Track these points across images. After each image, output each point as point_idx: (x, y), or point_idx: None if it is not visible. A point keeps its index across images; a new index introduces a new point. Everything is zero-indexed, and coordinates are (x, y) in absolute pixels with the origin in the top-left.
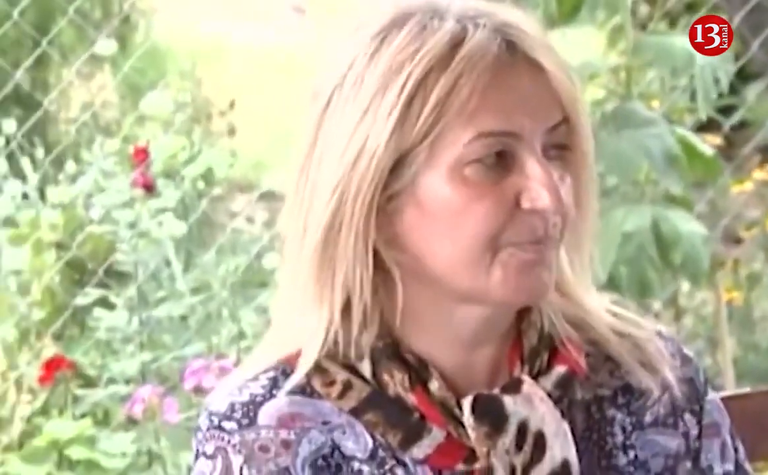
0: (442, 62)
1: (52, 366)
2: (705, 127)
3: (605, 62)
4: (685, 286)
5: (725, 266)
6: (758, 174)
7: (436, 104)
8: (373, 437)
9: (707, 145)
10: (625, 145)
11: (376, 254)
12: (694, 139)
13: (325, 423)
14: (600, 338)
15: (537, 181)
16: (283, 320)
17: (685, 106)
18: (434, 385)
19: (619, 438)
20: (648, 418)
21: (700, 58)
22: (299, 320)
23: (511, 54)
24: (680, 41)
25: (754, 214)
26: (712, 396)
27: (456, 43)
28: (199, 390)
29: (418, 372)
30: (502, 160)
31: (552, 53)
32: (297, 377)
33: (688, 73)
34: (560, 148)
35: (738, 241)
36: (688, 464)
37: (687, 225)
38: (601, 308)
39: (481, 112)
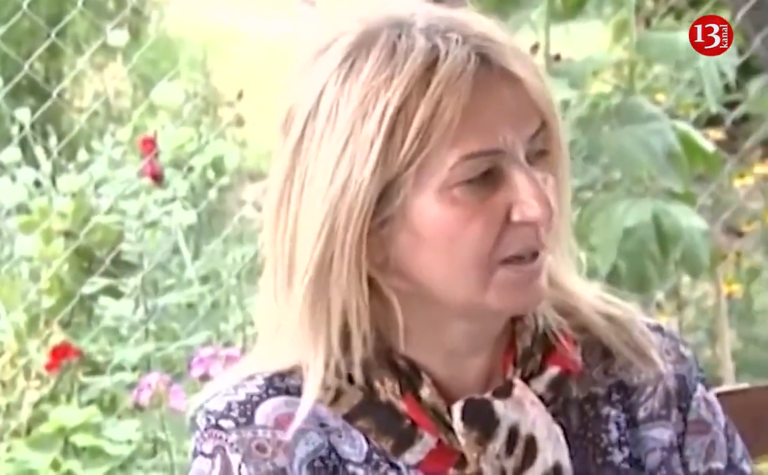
0: (419, 87)
1: (59, 353)
2: (709, 121)
3: (609, 57)
4: (687, 278)
5: (727, 259)
6: (759, 168)
7: (418, 131)
8: (368, 441)
9: (710, 139)
10: (628, 140)
11: (370, 279)
12: (696, 134)
13: (322, 425)
14: (588, 322)
15: (526, 194)
16: (270, 339)
17: (690, 102)
18: (425, 392)
19: (614, 435)
20: (642, 414)
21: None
22: (291, 343)
23: (487, 69)
24: (684, 37)
25: (756, 208)
26: (705, 394)
27: (430, 64)
28: (206, 378)
29: (410, 379)
30: (489, 177)
31: (524, 59)
32: (304, 411)
33: (691, 68)
34: (541, 153)
35: (740, 234)
36: (678, 456)
37: (688, 219)
38: (586, 292)
39: (464, 134)
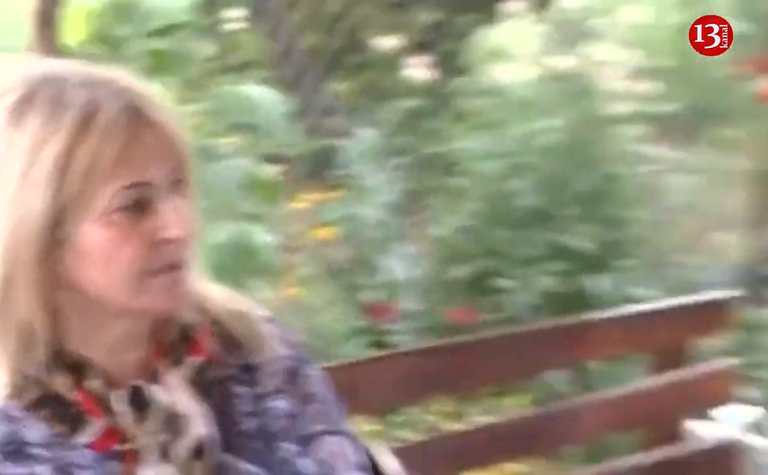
0: (79, 137)
1: None
2: (274, 158)
3: (190, 107)
4: (263, 285)
5: (291, 269)
6: (309, 196)
7: (81, 174)
8: (48, 427)
9: (272, 173)
10: (211, 175)
11: (47, 292)
12: (261, 168)
13: (7, 417)
14: (219, 318)
15: (168, 218)
16: None
17: (255, 142)
18: (93, 383)
19: (245, 408)
20: (266, 389)
21: (261, 104)
22: None
23: (136, 117)
24: (246, 90)
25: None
26: (312, 371)
27: (88, 117)
28: None
29: (81, 373)
30: (139, 205)
31: (162, 108)
32: None
33: (254, 116)
34: (178, 182)
35: (296, 248)
36: (296, 422)
37: (261, 237)
38: (216, 293)
39: (118, 172)
